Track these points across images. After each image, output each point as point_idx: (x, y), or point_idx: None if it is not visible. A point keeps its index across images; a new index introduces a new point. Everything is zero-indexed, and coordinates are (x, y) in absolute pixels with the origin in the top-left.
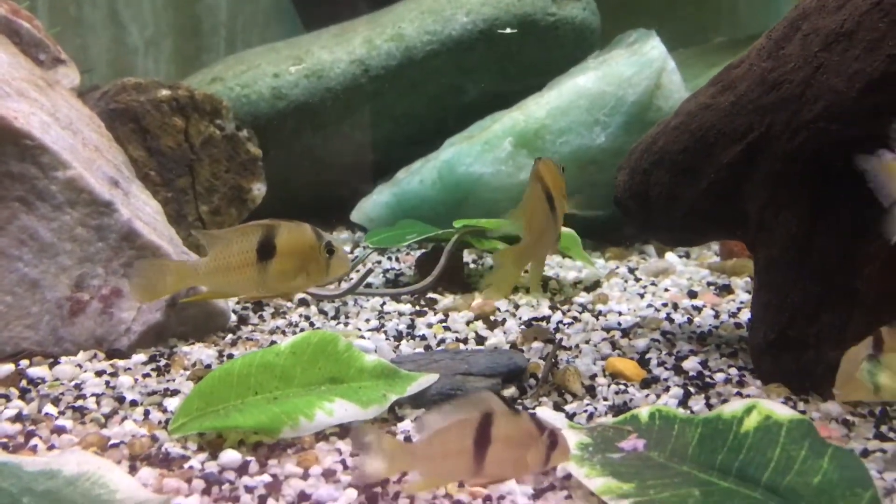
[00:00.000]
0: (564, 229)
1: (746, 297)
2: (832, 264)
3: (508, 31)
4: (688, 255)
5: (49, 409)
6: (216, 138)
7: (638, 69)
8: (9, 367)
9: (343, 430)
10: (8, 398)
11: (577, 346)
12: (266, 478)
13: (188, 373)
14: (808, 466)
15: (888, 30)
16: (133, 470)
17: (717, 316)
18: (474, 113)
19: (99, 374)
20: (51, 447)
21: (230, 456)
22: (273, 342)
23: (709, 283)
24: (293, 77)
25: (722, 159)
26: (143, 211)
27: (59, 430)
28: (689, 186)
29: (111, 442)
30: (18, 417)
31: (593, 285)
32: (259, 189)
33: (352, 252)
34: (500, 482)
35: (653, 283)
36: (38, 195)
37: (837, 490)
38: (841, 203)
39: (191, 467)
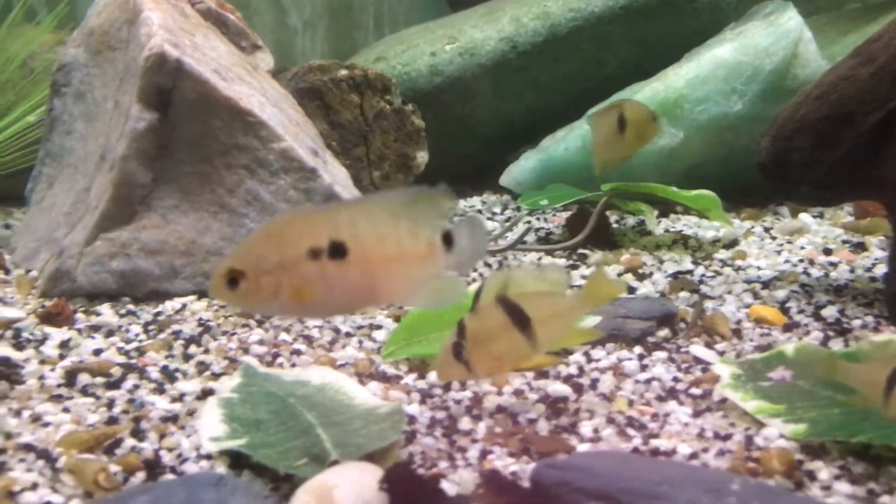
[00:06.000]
0: (705, 191)
1: (881, 254)
2: None
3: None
4: (821, 216)
5: (284, 336)
6: (386, 112)
7: (774, 39)
8: None
9: None
10: (249, 327)
11: (720, 296)
12: (468, 393)
13: (386, 311)
14: None
15: None
16: (362, 384)
17: (852, 271)
18: (614, 85)
19: None
20: (293, 365)
21: (435, 377)
22: None
23: (843, 241)
24: (448, 55)
25: (862, 126)
26: (338, 176)
27: (297, 353)
28: (829, 152)
29: (339, 362)
30: (262, 342)
31: (731, 243)
32: (422, 157)
33: (503, 214)
34: None
35: (788, 242)
36: (259, 163)
37: None
38: None
39: (406, 384)
